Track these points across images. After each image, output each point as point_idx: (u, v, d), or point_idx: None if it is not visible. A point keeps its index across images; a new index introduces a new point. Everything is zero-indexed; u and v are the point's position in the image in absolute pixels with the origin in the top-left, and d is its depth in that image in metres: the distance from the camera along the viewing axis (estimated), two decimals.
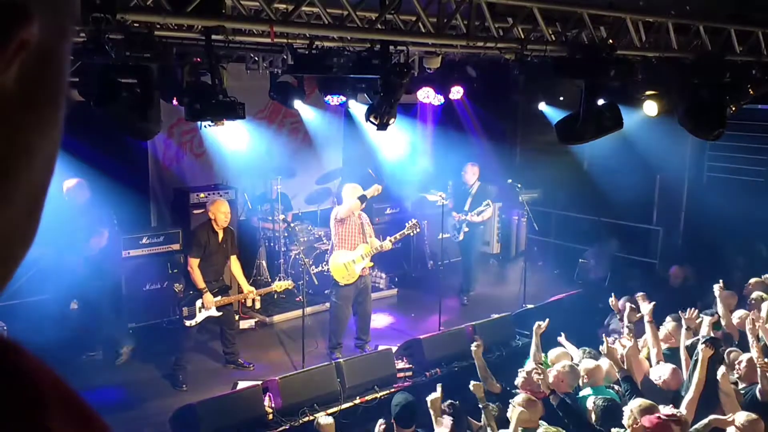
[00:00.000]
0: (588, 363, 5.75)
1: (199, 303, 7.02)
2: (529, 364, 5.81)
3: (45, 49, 0.49)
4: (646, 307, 6.29)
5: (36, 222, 0.53)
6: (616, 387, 5.78)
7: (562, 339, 6.65)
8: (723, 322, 6.79)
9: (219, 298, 7.10)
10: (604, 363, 5.86)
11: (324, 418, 5.61)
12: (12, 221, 0.50)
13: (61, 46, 0.51)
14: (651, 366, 5.97)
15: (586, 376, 5.58)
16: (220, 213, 7.07)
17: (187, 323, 7.04)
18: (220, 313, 7.14)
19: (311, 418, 6.27)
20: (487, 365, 6.12)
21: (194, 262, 7.00)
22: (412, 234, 8.16)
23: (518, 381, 5.59)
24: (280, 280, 7.71)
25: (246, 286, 7.38)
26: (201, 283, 6.98)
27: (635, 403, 4.83)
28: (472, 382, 5.46)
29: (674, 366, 5.72)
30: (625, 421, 4.79)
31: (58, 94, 0.52)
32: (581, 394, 5.50)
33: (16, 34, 0.47)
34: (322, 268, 8.62)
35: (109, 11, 4.23)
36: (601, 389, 5.53)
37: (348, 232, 7.66)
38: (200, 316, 7.05)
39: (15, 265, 0.52)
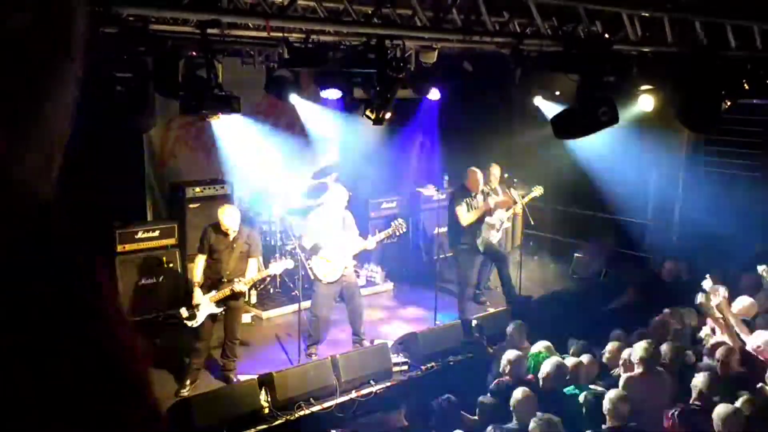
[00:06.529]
0: (572, 360, 5.75)
1: (194, 302, 6.80)
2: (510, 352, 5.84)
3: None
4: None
5: (54, 170, 0.54)
6: (600, 382, 5.77)
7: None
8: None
9: (213, 293, 6.82)
10: (585, 359, 5.87)
11: None
12: (33, 166, 0.52)
13: None
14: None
15: (569, 373, 5.57)
16: (223, 217, 6.80)
17: (189, 324, 6.81)
18: (221, 309, 6.89)
19: (307, 411, 6.29)
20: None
21: (198, 258, 6.93)
22: (397, 234, 7.88)
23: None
24: None
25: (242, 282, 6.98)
26: (195, 277, 6.89)
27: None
28: None
29: None
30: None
31: (73, 43, 0.55)
32: (565, 390, 5.49)
33: None
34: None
35: (103, 4, 4.22)
36: (583, 387, 5.50)
37: (325, 230, 7.44)
38: (201, 315, 6.80)
39: None
